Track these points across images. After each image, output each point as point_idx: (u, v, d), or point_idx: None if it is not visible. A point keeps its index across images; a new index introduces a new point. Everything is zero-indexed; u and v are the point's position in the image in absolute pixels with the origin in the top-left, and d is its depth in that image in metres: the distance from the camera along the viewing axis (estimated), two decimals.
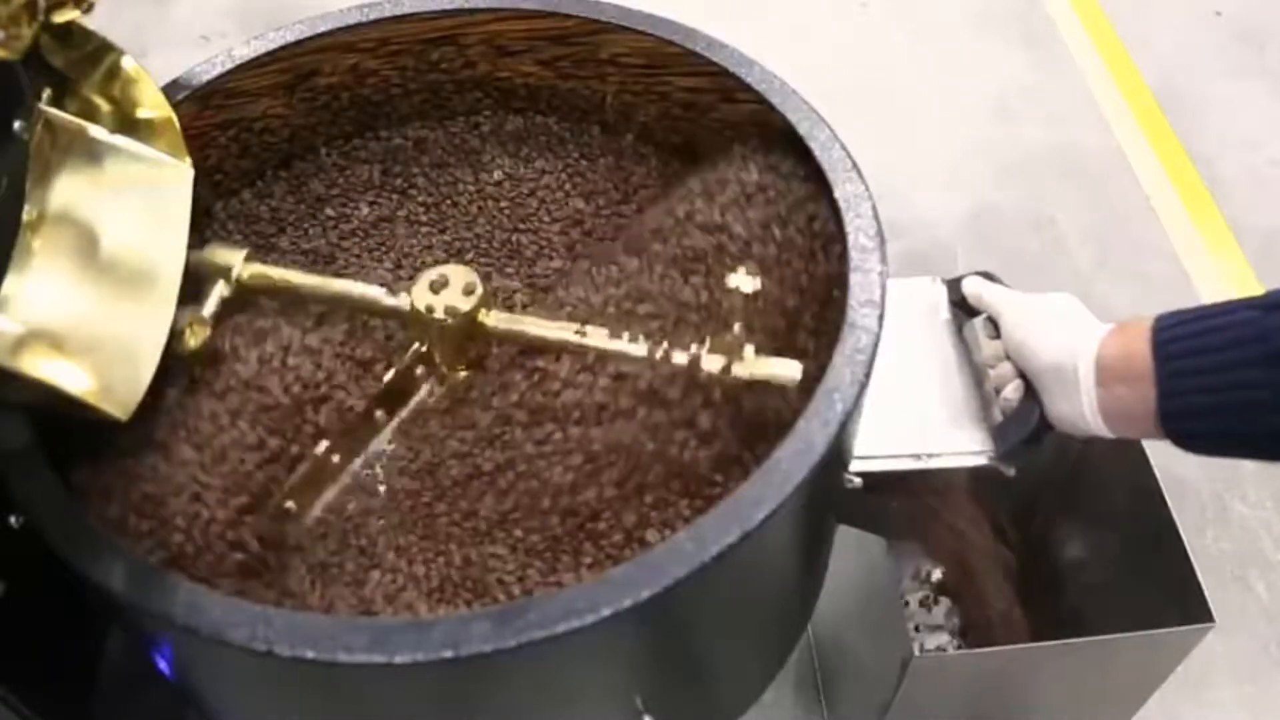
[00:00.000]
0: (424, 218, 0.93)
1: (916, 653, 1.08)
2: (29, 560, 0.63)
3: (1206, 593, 1.12)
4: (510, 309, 0.86)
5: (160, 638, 0.67)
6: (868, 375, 0.66)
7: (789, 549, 0.74)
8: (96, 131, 0.72)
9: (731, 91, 0.86)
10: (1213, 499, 1.66)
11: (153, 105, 0.75)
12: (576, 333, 0.74)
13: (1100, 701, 1.29)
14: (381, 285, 0.80)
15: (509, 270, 0.90)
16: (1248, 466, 1.69)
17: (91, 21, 0.71)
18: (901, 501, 0.82)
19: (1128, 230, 2.06)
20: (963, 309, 0.87)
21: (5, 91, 0.67)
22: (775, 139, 0.83)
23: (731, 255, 0.77)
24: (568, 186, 0.94)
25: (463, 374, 0.80)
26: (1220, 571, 1.58)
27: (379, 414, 0.79)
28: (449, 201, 0.94)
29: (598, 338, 0.73)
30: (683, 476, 0.71)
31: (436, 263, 0.88)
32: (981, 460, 0.79)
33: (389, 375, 0.79)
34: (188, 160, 0.76)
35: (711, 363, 0.70)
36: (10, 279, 0.66)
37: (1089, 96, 2.32)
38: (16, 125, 0.67)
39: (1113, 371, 0.70)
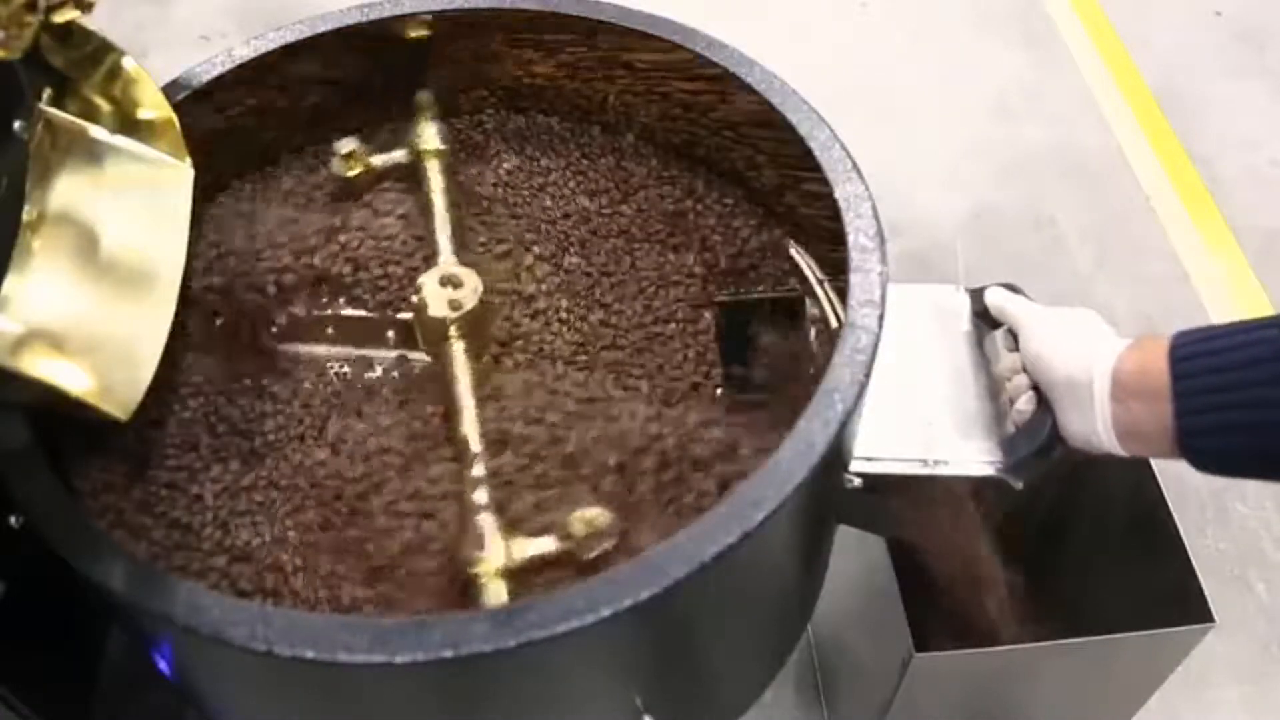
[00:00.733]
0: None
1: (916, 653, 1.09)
2: (29, 560, 0.63)
3: (1206, 593, 1.12)
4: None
5: (160, 638, 0.67)
6: (868, 375, 0.66)
7: (789, 549, 0.74)
8: (97, 132, 0.72)
9: (731, 92, 0.86)
10: (1213, 499, 1.66)
11: (153, 105, 0.75)
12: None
13: (1100, 701, 1.29)
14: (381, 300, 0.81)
15: (517, 267, 0.90)
16: None
17: (91, 21, 0.71)
18: (902, 503, 0.82)
19: (1128, 230, 2.06)
20: (985, 320, 0.86)
21: (5, 91, 0.67)
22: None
23: None
24: (572, 184, 0.94)
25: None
26: (1220, 571, 1.58)
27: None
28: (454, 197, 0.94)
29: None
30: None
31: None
32: (989, 471, 0.79)
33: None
34: (188, 160, 0.76)
35: None
36: (10, 279, 0.66)
37: (1089, 96, 2.32)
38: (16, 125, 0.67)
39: (1128, 388, 0.70)
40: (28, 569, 0.65)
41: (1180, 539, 1.18)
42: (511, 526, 0.69)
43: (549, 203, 0.93)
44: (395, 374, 0.81)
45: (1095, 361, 0.72)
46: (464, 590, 0.68)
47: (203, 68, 0.85)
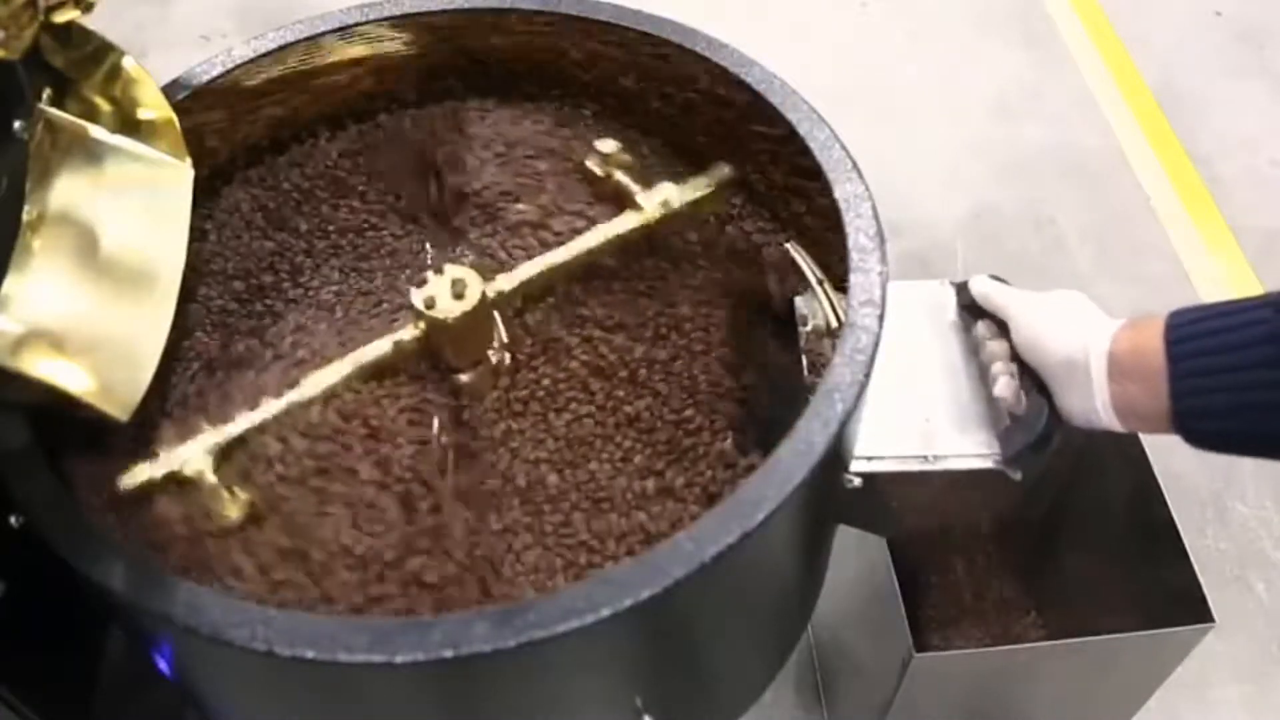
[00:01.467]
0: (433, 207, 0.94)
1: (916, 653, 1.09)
2: (29, 560, 0.63)
3: (1206, 593, 1.12)
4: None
5: (160, 638, 0.67)
6: (868, 375, 0.66)
7: (789, 549, 0.74)
8: (97, 132, 0.72)
9: (731, 92, 0.86)
10: (1213, 499, 1.66)
11: (153, 105, 0.75)
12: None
13: (1100, 701, 1.29)
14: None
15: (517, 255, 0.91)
16: (1247, 466, 1.70)
17: (91, 21, 0.71)
18: (902, 501, 0.82)
19: (1128, 230, 2.06)
20: (971, 312, 0.87)
21: (5, 91, 0.67)
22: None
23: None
24: (576, 178, 0.94)
25: (466, 377, 0.80)
26: (1220, 571, 1.58)
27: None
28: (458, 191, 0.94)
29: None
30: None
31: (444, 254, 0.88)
32: (988, 464, 0.79)
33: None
34: (188, 160, 0.76)
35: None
36: (10, 279, 0.66)
37: (1089, 96, 2.32)
38: (16, 125, 0.67)
39: (1124, 368, 0.70)
40: (28, 569, 0.65)
41: (1180, 539, 1.18)
42: None
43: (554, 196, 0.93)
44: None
45: (1091, 342, 0.72)
46: None
47: (203, 68, 0.85)
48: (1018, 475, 0.78)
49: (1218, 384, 0.65)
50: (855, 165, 0.78)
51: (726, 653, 0.79)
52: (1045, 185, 2.13)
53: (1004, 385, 0.78)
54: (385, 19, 0.90)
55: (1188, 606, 1.13)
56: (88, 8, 0.69)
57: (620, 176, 0.86)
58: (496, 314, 0.81)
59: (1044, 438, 0.76)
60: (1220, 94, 2.32)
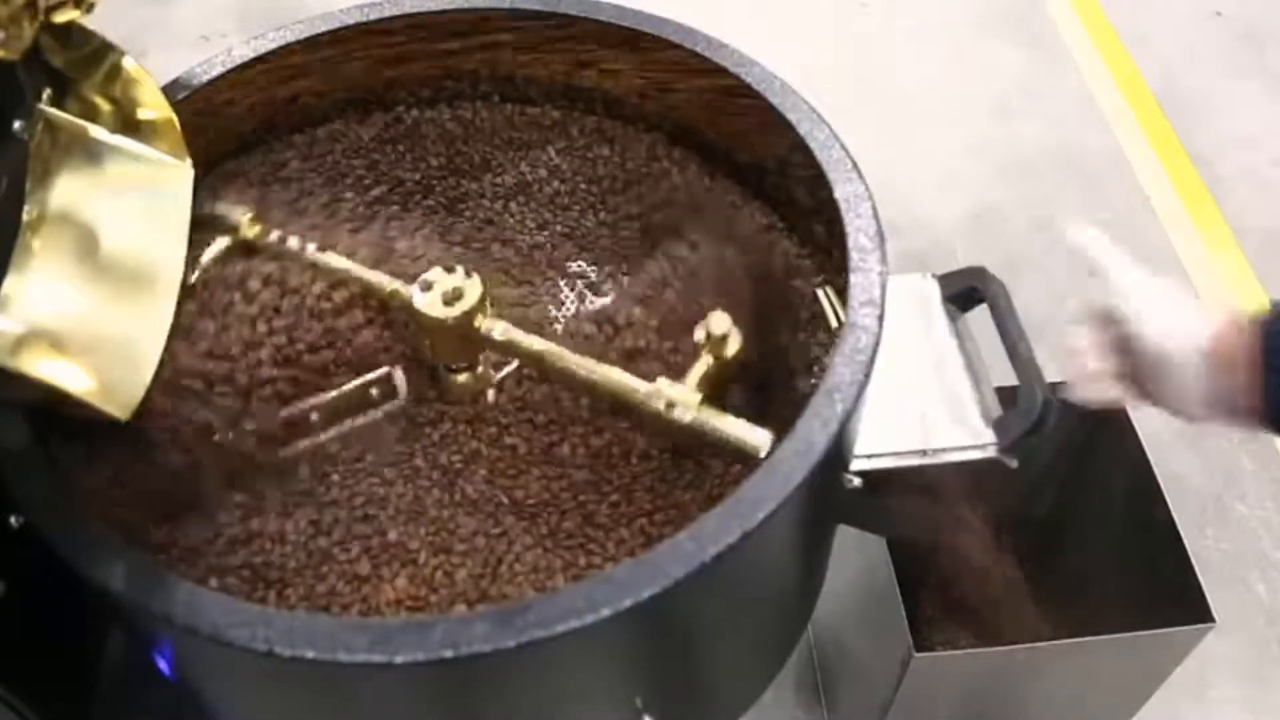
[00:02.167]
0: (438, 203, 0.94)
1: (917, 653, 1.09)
2: (29, 560, 0.63)
3: (1206, 593, 1.12)
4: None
5: (160, 638, 0.67)
6: (868, 375, 0.66)
7: (789, 549, 0.74)
8: (97, 132, 0.72)
9: (731, 92, 0.86)
10: (1212, 499, 1.66)
11: (153, 105, 0.75)
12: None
13: (1100, 701, 1.29)
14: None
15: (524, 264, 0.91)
16: (1248, 466, 1.70)
17: (91, 21, 0.71)
18: (902, 500, 0.82)
19: (1128, 230, 2.06)
20: (956, 304, 0.87)
21: (5, 91, 0.67)
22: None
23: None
24: (581, 173, 0.95)
25: (461, 377, 0.80)
26: (1220, 571, 1.58)
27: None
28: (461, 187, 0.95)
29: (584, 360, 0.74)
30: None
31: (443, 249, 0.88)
32: (986, 454, 0.79)
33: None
34: (188, 160, 0.76)
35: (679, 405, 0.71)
36: (10, 279, 0.66)
37: (1089, 96, 2.32)
38: (16, 125, 0.67)
39: (1222, 364, 0.70)
40: (28, 569, 0.65)
41: (1180, 539, 1.18)
42: None
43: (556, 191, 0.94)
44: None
45: (1195, 336, 0.72)
46: None
47: (202, 68, 0.85)
48: (1014, 463, 0.79)
49: None
50: (855, 165, 0.78)
51: (726, 653, 0.79)
52: (1045, 185, 2.13)
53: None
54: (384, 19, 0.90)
55: (1188, 606, 1.13)
56: (88, 8, 0.69)
57: None
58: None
59: (1039, 424, 0.77)
60: (1220, 94, 2.32)
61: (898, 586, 1.14)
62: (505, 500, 0.76)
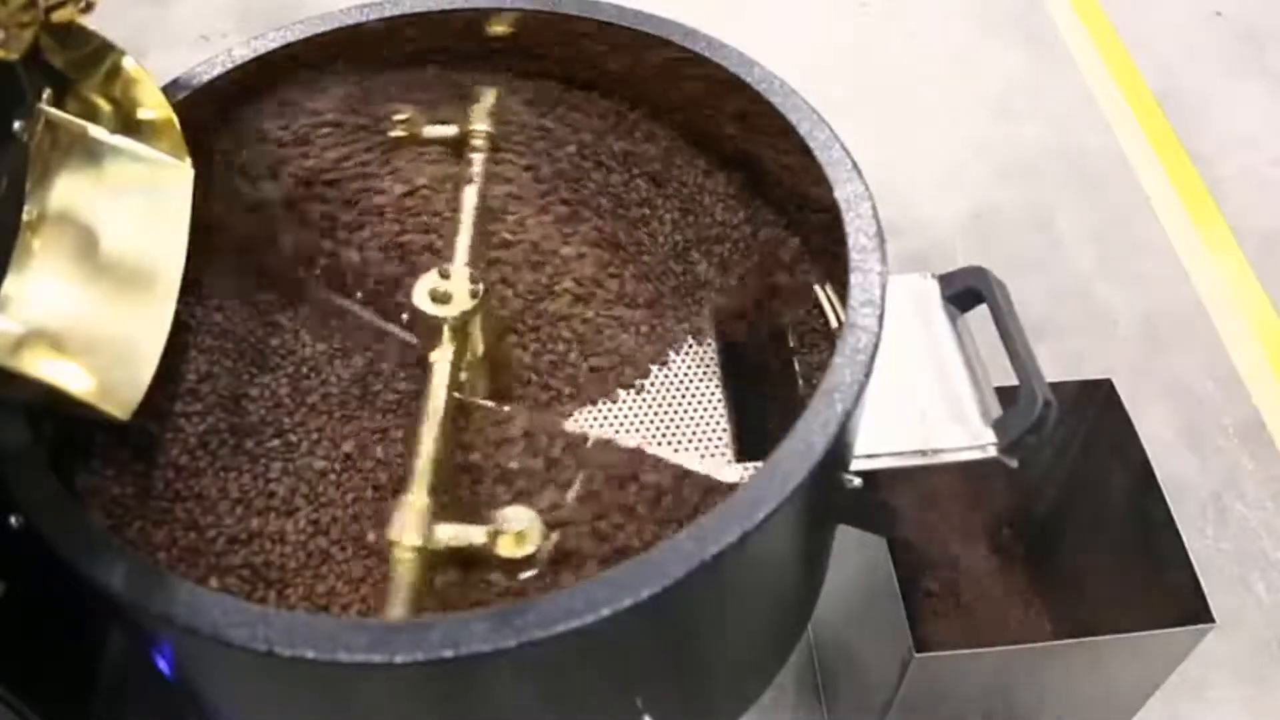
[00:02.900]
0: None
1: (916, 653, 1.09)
2: (29, 560, 0.63)
3: (1206, 593, 1.12)
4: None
5: (160, 638, 0.67)
6: (868, 375, 0.66)
7: (789, 549, 0.74)
8: (97, 132, 0.72)
9: (731, 92, 0.86)
10: (1213, 499, 1.66)
11: (153, 105, 0.75)
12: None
13: (1100, 701, 1.29)
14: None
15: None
16: (1247, 466, 1.70)
17: (91, 21, 0.71)
18: (902, 500, 0.82)
19: (1128, 230, 2.06)
20: (956, 304, 0.87)
21: (5, 91, 0.67)
22: None
23: None
24: (586, 165, 0.95)
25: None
26: (1220, 571, 1.58)
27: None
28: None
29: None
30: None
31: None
32: (986, 454, 0.79)
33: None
34: (188, 160, 0.76)
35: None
36: (10, 279, 0.66)
37: (1089, 96, 2.32)
38: (16, 125, 0.67)
39: None
40: (28, 569, 0.65)
41: (1180, 539, 1.18)
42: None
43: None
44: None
45: None
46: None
47: (203, 68, 0.86)
48: (1014, 463, 0.79)
49: None
50: (855, 165, 0.78)
51: (726, 653, 0.79)
52: (1045, 185, 2.13)
53: None
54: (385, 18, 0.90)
55: (1188, 606, 1.13)
56: (88, 8, 0.69)
57: None
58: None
59: (1039, 423, 0.77)
60: (1220, 94, 2.32)
61: (898, 586, 1.14)
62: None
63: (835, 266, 0.84)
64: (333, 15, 0.89)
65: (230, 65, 0.86)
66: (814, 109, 0.81)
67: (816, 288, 0.88)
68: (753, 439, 0.78)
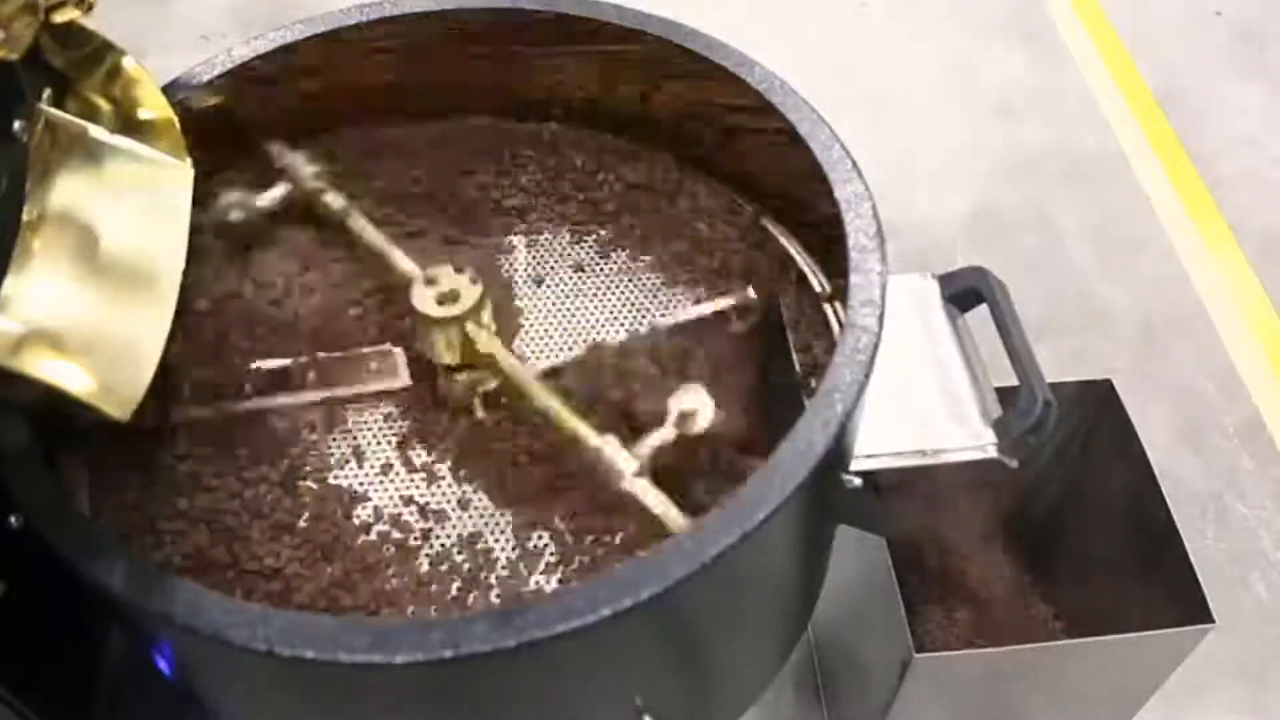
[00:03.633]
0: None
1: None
2: (29, 560, 0.63)
3: (1206, 593, 1.12)
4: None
5: (160, 638, 0.67)
6: (868, 375, 0.66)
7: (789, 549, 0.74)
8: (97, 132, 0.72)
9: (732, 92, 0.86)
10: (1213, 499, 1.66)
11: (153, 105, 0.75)
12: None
13: (1100, 701, 1.29)
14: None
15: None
16: (1248, 466, 1.70)
17: (91, 21, 0.71)
18: (902, 500, 0.82)
19: (1128, 230, 2.06)
20: (956, 304, 0.87)
21: (5, 91, 0.67)
22: None
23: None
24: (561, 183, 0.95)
25: (456, 379, 0.80)
26: (1220, 571, 1.58)
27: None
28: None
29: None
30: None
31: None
32: (986, 454, 0.79)
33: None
34: (188, 160, 0.76)
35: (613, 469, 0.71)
36: (10, 279, 0.66)
37: (1089, 96, 2.32)
38: (16, 125, 0.67)
39: None
40: (28, 569, 0.65)
41: (1180, 539, 1.18)
42: None
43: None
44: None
45: None
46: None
47: (203, 68, 0.86)
48: (1014, 463, 0.79)
49: None
50: (855, 165, 0.78)
51: (726, 653, 0.79)
52: (1045, 185, 2.13)
53: None
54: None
55: (1188, 606, 1.13)
56: (88, 8, 0.69)
57: None
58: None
59: (1039, 424, 0.77)
60: (1220, 94, 2.32)
61: (898, 586, 1.14)
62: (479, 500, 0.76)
63: (835, 266, 0.84)
64: (333, 15, 0.90)
65: (230, 65, 0.86)
66: (814, 109, 0.81)
67: (816, 288, 0.88)
68: (753, 439, 0.78)
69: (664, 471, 0.71)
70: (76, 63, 0.72)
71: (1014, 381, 0.81)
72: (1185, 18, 2.49)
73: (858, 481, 0.74)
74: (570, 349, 0.84)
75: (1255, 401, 1.78)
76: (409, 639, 0.56)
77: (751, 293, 0.85)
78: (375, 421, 0.80)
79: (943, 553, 1.49)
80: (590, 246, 0.91)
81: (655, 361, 0.79)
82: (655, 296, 0.87)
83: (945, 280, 0.89)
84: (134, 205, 0.73)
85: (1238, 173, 2.16)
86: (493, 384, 0.79)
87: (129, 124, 0.74)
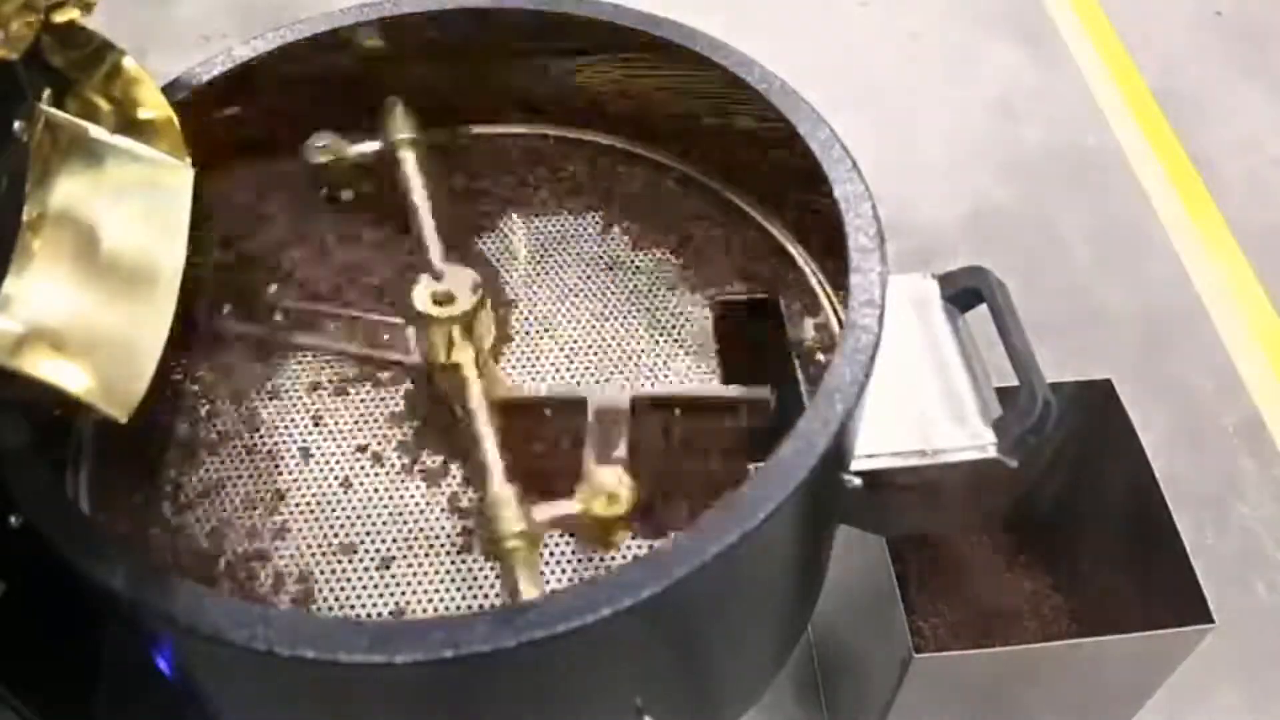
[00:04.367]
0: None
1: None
2: (29, 560, 0.63)
3: (1206, 593, 1.12)
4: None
5: (160, 637, 0.67)
6: (868, 375, 0.66)
7: (789, 549, 0.74)
8: (97, 132, 0.72)
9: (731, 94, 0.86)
10: (1213, 499, 1.66)
11: (153, 105, 0.75)
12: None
13: (1100, 701, 1.29)
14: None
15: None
16: (1248, 466, 1.70)
17: (91, 21, 0.71)
18: (902, 500, 0.82)
19: (1128, 230, 2.06)
20: (956, 304, 0.87)
21: (5, 91, 0.67)
22: None
23: None
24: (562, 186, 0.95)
25: (445, 377, 0.80)
26: (1220, 571, 1.58)
27: None
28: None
29: None
30: None
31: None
32: (986, 454, 0.79)
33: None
34: (188, 160, 0.76)
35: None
36: (10, 279, 0.65)
37: (1089, 96, 2.32)
38: (16, 125, 0.67)
39: None
40: (27, 569, 0.65)
41: (1180, 539, 1.18)
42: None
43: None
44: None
45: None
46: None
47: (203, 68, 0.86)
48: (1014, 463, 0.79)
49: None
50: (855, 165, 0.78)
51: (727, 653, 0.79)
52: (1045, 185, 2.13)
53: None
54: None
55: (1188, 606, 1.13)
56: (88, 8, 0.69)
57: None
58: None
59: (1039, 424, 0.77)
60: (1220, 94, 2.32)
61: (898, 586, 1.14)
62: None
63: (835, 266, 0.84)
64: (333, 15, 0.90)
65: (230, 65, 0.86)
66: (814, 109, 0.81)
67: (816, 288, 0.88)
68: (753, 439, 0.78)
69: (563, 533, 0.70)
70: (76, 63, 0.72)
71: (1014, 381, 0.81)
72: (1185, 18, 2.49)
73: (858, 481, 0.74)
74: (563, 360, 0.83)
75: (1255, 401, 1.78)
76: (409, 639, 0.56)
77: (763, 393, 0.81)
78: (372, 399, 0.81)
79: (943, 553, 1.49)
80: (590, 247, 0.91)
81: (616, 422, 0.77)
82: (656, 297, 0.87)
83: (945, 280, 0.89)
84: (134, 205, 0.73)
85: (1238, 173, 2.16)
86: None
87: (129, 124, 0.74)
